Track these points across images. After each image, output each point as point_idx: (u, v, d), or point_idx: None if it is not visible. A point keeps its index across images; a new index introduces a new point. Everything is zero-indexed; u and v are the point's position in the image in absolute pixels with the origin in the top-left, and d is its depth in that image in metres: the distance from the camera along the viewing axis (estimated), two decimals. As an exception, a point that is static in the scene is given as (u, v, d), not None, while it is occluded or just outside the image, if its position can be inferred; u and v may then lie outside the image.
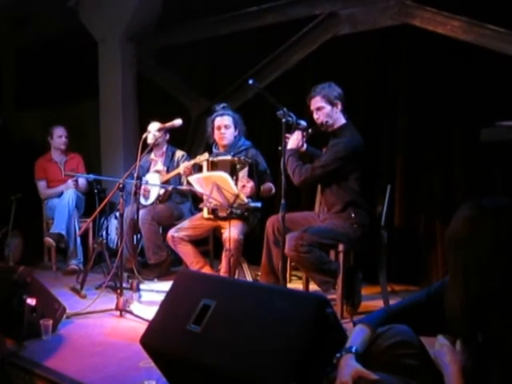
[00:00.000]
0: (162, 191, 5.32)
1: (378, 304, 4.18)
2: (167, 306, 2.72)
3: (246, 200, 4.35)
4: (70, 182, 5.78)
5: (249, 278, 4.76)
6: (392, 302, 4.09)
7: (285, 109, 3.89)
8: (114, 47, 6.96)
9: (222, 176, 4.24)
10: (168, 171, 5.33)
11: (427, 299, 2.07)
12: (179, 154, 5.53)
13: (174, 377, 2.63)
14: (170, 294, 2.77)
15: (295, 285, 4.92)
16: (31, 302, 3.50)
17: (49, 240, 5.42)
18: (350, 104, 4.20)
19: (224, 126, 4.78)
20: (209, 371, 2.33)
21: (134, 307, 4.12)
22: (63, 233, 5.44)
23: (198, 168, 4.87)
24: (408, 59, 5.00)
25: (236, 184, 4.43)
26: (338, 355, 1.99)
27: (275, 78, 5.83)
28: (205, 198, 4.57)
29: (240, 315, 2.44)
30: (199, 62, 6.48)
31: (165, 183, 5.28)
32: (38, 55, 7.97)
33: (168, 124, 4.55)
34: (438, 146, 4.84)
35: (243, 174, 4.56)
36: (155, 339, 2.64)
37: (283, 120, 3.88)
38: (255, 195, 4.57)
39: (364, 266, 4.39)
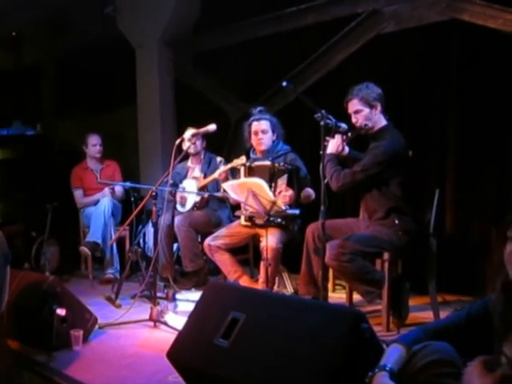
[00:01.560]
0: (198, 198, 5.27)
1: (428, 315, 4.07)
2: (195, 319, 2.71)
3: (283, 207, 4.23)
4: (107, 189, 5.80)
5: (289, 288, 4.67)
6: (443, 313, 3.97)
7: (323, 111, 3.75)
8: (152, 53, 6.96)
9: (258, 182, 4.14)
10: (205, 177, 5.28)
11: (467, 320, 1.96)
12: (218, 159, 5.49)
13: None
14: (198, 306, 2.76)
15: (339, 295, 4.80)
16: (61, 312, 3.49)
17: (84, 249, 5.45)
18: (396, 105, 4.05)
19: (261, 131, 4.69)
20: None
21: (169, 318, 4.08)
22: (99, 241, 5.45)
23: (235, 173, 4.79)
24: (457, 56, 4.83)
25: (274, 191, 4.33)
26: (370, 373, 1.86)
27: (317, 80, 5.71)
28: (242, 205, 4.48)
29: (270, 330, 2.38)
30: (238, 66, 6.41)
31: (202, 189, 5.24)
32: (77, 63, 8.07)
33: (202, 129, 4.51)
34: (491, 148, 4.65)
35: (282, 180, 4.44)
36: (182, 353, 2.62)
37: (321, 123, 3.75)
38: (295, 203, 4.44)
39: (412, 276, 4.23)
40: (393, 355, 1.91)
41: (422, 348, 1.80)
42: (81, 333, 3.57)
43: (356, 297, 4.26)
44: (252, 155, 4.83)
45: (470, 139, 4.76)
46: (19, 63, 8.70)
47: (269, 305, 2.52)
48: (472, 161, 4.76)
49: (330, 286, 4.82)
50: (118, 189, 5.89)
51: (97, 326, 3.87)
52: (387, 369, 1.85)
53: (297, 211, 4.36)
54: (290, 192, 4.39)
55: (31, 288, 3.61)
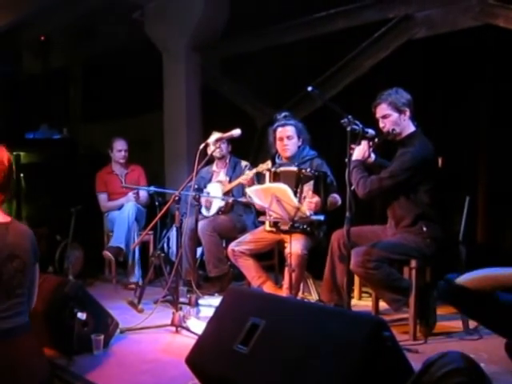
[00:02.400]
0: (223, 203, 5.28)
1: (457, 325, 4.01)
2: (215, 324, 2.71)
3: (307, 213, 4.20)
4: (131, 194, 5.82)
5: (314, 295, 4.64)
6: (472, 322, 3.88)
7: (350, 117, 3.71)
8: (179, 57, 7.01)
9: (282, 188, 4.11)
10: (230, 181, 5.29)
11: None
12: (243, 164, 5.50)
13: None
14: (218, 312, 2.76)
15: (365, 302, 4.75)
16: (82, 316, 3.51)
17: (107, 254, 5.46)
18: (427, 111, 3.98)
19: (286, 137, 4.67)
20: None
21: (191, 323, 4.08)
22: (122, 246, 5.45)
23: (260, 178, 4.78)
24: (492, 62, 4.78)
25: (299, 197, 4.30)
26: None
27: (346, 85, 5.68)
28: (267, 210, 4.46)
29: (290, 336, 2.36)
30: (266, 71, 6.41)
31: (227, 193, 5.26)
32: (104, 67, 8.18)
33: (226, 134, 4.52)
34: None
35: (308, 186, 4.40)
36: (201, 358, 2.63)
37: (348, 128, 3.71)
38: (321, 210, 4.41)
39: (441, 284, 4.16)
40: None
41: (439, 358, 1.76)
42: (102, 337, 3.57)
43: (383, 305, 4.20)
44: (277, 160, 4.81)
45: (503, 147, 4.69)
46: (47, 67, 8.84)
47: (289, 311, 2.50)
48: (504, 169, 4.68)
49: (356, 293, 4.79)
50: (143, 193, 5.91)
51: (118, 331, 3.87)
52: None
53: (322, 217, 4.32)
54: (316, 199, 4.35)
55: (53, 291, 3.61)
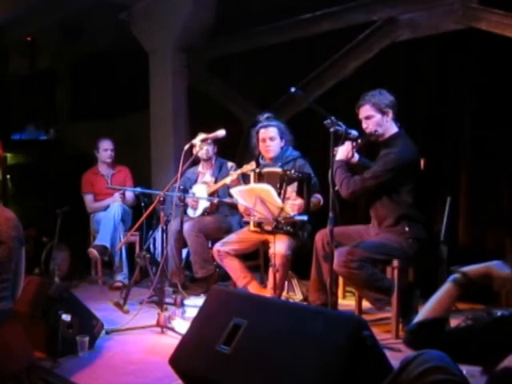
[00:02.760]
0: (208, 204, 5.30)
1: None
2: (198, 325, 2.72)
3: (291, 213, 4.24)
4: (117, 195, 5.84)
5: (298, 295, 4.68)
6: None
7: (333, 118, 3.76)
8: (166, 58, 7.01)
9: (265, 188, 4.15)
10: (216, 182, 5.31)
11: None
12: (229, 165, 5.51)
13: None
14: (201, 312, 2.76)
15: (349, 302, 4.80)
16: (66, 318, 3.50)
17: (93, 251, 5.45)
18: (410, 112, 4.00)
19: (269, 138, 4.71)
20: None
21: (177, 324, 4.06)
22: (107, 245, 5.45)
23: (246, 179, 4.81)
24: (473, 65, 4.83)
25: (283, 197, 4.33)
26: None
27: (331, 87, 5.72)
28: (251, 211, 4.49)
29: (272, 336, 2.38)
30: (252, 72, 6.45)
31: (212, 194, 5.26)
32: (91, 68, 8.16)
33: (211, 135, 4.57)
34: (505, 156, 4.63)
35: (292, 188, 4.43)
36: (184, 359, 2.64)
37: (331, 129, 3.75)
38: (305, 211, 4.44)
39: (423, 283, 4.18)
40: None
41: (417, 356, 1.79)
42: (87, 339, 3.57)
43: (366, 304, 4.25)
44: (261, 161, 4.84)
45: (485, 148, 4.75)
46: (33, 68, 8.81)
47: (271, 311, 2.53)
48: (486, 169, 4.74)
49: (340, 292, 4.81)
50: (129, 194, 5.91)
51: (104, 332, 3.86)
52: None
53: (305, 217, 4.36)
54: (299, 201, 4.37)
55: (37, 293, 3.60)
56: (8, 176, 7.83)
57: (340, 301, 4.68)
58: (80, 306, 3.73)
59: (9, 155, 8.10)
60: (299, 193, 4.42)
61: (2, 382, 2.55)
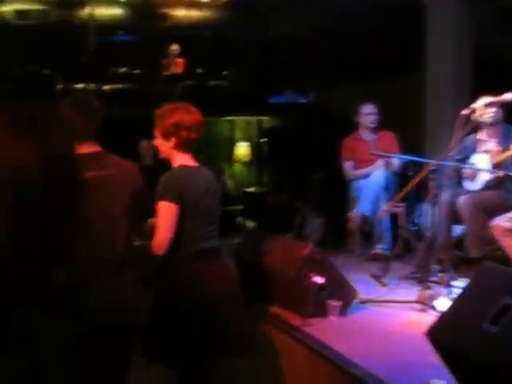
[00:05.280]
0: (491, 176, 4.84)
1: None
2: (463, 301, 2.73)
3: None
4: (380, 162, 5.70)
5: None
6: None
7: None
8: (446, 11, 6.54)
9: None
10: (503, 152, 4.80)
11: None
12: (518, 131, 4.98)
13: (464, 378, 2.57)
14: (467, 289, 2.77)
15: None
16: (318, 279, 3.67)
17: (352, 220, 5.48)
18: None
19: None
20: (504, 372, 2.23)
21: (440, 303, 3.94)
22: (368, 214, 5.44)
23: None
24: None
25: None
26: None
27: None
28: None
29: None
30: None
31: (496, 166, 4.80)
32: (355, 26, 7.97)
33: (497, 99, 4.35)
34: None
35: None
36: (444, 333, 2.63)
37: None
38: None
39: None
40: None
41: None
42: (338, 304, 3.73)
43: None
44: None
45: None
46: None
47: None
48: None
49: None
50: (394, 161, 5.73)
51: (357, 300, 4.00)
52: None
53: None
54: None
55: (291, 254, 3.87)
56: (264, 139, 8.04)
57: None
58: (333, 270, 3.90)
59: (265, 118, 8.33)
60: None
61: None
